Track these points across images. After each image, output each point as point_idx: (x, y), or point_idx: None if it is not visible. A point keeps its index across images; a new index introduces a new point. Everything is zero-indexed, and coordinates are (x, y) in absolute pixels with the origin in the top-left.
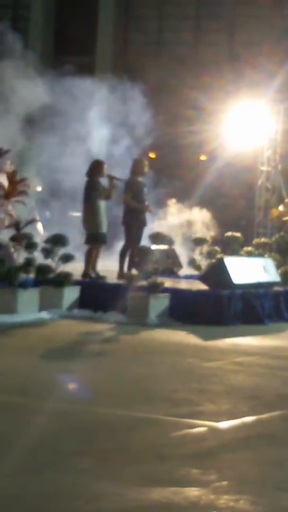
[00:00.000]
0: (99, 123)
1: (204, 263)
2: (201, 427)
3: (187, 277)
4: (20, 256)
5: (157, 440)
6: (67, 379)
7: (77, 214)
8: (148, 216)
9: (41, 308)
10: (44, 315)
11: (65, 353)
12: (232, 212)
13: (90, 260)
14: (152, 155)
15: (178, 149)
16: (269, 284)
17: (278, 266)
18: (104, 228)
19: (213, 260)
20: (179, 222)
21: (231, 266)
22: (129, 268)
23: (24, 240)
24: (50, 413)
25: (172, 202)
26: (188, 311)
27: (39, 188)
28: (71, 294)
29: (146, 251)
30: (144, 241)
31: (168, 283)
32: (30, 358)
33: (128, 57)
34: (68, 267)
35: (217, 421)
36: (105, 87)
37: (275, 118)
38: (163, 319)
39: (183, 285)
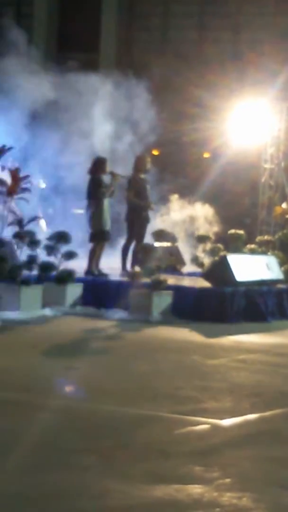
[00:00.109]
0: (103, 120)
1: (207, 260)
2: (204, 424)
3: (190, 274)
4: (23, 253)
5: (160, 437)
6: (70, 376)
7: (80, 211)
8: (150, 212)
9: (44, 305)
10: (47, 312)
11: (68, 350)
12: (236, 209)
13: (94, 257)
14: (155, 152)
15: (181, 146)
16: (272, 282)
17: (281, 264)
18: (108, 226)
19: (216, 258)
20: (182, 218)
21: (234, 264)
22: (133, 265)
23: (27, 237)
24: (53, 410)
25: (174, 197)
26: (191, 308)
27: (43, 185)
28: (74, 291)
29: (149, 248)
30: (147, 239)
31: (171, 280)
32: (33, 355)
33: (132, 54)
34: (71, 264)
35: (220, 418)
36: (109, 84)
37: (278, 116)
38: (166, 316)
39: (186, 282)
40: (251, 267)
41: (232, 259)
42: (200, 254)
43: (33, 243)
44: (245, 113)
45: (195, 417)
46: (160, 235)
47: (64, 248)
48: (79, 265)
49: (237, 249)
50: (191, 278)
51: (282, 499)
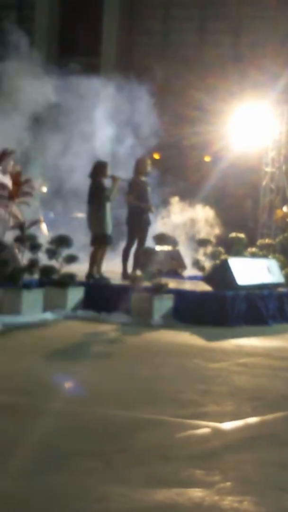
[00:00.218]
0: (104, 123)
1: (208, 264)
2: (205, 428)
3: (191, 278)
4: (24, 257)
5: (161, 441)
6: (71, 380)
7: (81, 215)
8: (151, 215)
9: (45, 309)
10: (48, 316)
11: (69, 354)
12: (237, 212)
13: (95, 261)
14: (156, 156)
15: (182, 150)
16: (273, 285)
17: (282, 267)
18: (109, 230)
19: (217, 261)
20: (183, 221)
21: (235, 267)
22: (134, 269)
23: (28, 241)
24: (54, 414)
25: (175, 200)
26: (192, 312)
27: (44, 189)
28: (75, 295)
29: (151, 252)
30: (149, 242)
31: (172, 284)
32: (34, 358)
33: (132, 58)
34: (72, 268)
35: (221, 422)
36: (110, 87)
37: (279, 119)
38: (167, 320)
39: (187, 286)
40: (252, 270)
41: (233, 263)
42: (201, 257)
43: (34, 247)
44: (246, 116)
45: (196, 421)
46: (161, 238)
47: (65, 252)
48: (80, 269)
49: (238, 253)
50: (192, 282)
51: (283, 502)
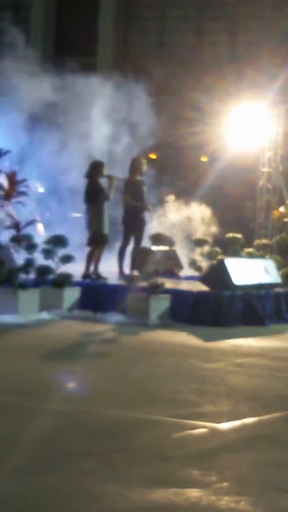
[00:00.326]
0: (100, 123)
1: (204, 264)
2: (202, 428)
3: (188, 278)
4: (20, 257)
5: (158, 441)
6: (68, 380)
7: (77, 215)
8: (147, 214)
9: (42, 309)
10: (45, 315)
11: (66, 354)
12: (234, 212)
13: (91, 261)
14: (153, 156)
15: (179, 150)
16: (270, 286)
17: (279, 268)
18: (106, 229)
19: (214, 261)
20: (179, 219)
21: (232, 267)
22: (131, 269)
23: (24, 240)
24: (51, 414)
25: (171, 198)
26: (189, 312)
27: (41, 189)
28: (71, 295)
29: (147, 252)
30: (145, 242)
31: (168, 284)
32: (31, 359)
33: (129, 58)
34: (68, 268)
35: (218, 422)
36: (106, 87)
37: (276, 120)
38: (163, 320)
39: (184, 286)
40: (249, 270)
41: (230, 263)
42: (198, 257)
43: (30, 246)
44: (242, 116)
45: (193, 421)
46: (157, 238)
47: (61, 252)
48: (76, 268)
49: (235, 253)
50: (189, 282)
51: (280, 502)
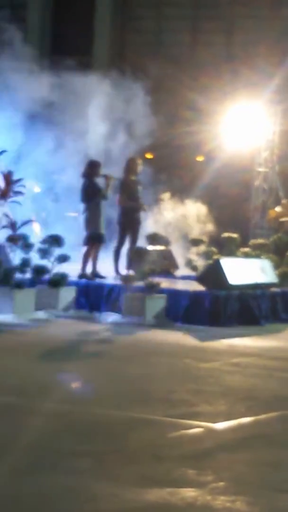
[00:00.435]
0: (96, 122)
1: (200, 264)
2: (197, 428)
3: (184, 277)
4: (16, 257)
5: (154, 440)
6: (64, 380)
7: (73, 214)
8: (143, 214)
9: (37, 308)
10: (41, 315)
11: (62, 354)
12: (230, 212)
13: (88, 260)
14: (149, 155)
15: (175, 149)
16: (266, 285)
17: (275, 267)
18: (103, 229)
19: (210, 261)
20: (175, 218)
21: (228, 267)
22: (127, 269)
23: (20, 240)
24: (47, 414)
25: (166, 196)
26: (185, 312)
27: (37, 190)
28: (67, 294)
29: (143, 251)
30: (141, 242)
31: (164, 283)
32: (26, 358)
33: (125, 57)
34: (64, 268)
35: (214, 422)
36: (102, 86)
37: (272, 119)
38: (159, 319)
39: (180, 285)
40: (245, 270)
41: (226, 263)
42: (194, 257)
43: (27, 246)
44: (239, 116)
45: (188, 421)
46: (153, 238)
47: (57, 252)
48: (72, 268)
49: (231, 253)
50: (184, 282)
51: (276, 502)
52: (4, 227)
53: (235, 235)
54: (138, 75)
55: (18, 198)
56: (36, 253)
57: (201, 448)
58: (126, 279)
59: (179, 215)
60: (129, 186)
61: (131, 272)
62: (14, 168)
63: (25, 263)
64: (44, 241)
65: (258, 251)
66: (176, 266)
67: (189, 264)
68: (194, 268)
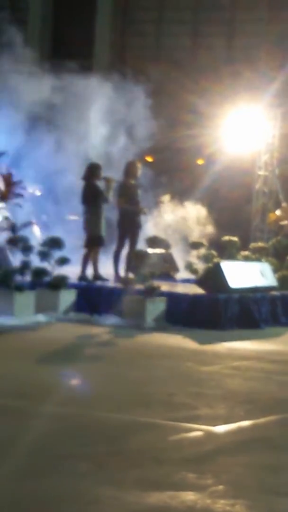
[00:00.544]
0: (97, 125)
1: (200, 267)
2: (198, 431)
3: (184, 281)
4: (16, 259)
5: (154, 444)
6: (64, 383)
7: (74, 217)
8: (143, 217)
9: (37, 311)
10: (41, 318)
11: (62, 357)
12: (230, 215)
13: (88, 263)
14: (149, 158)
15: (176, 153)
16: (266, 289)
17: (275, 271)
18: (103, 231)
19: (210, 264)
20: (175, 220)
21: (228, 270)
22: (127, 272)
23: (20, 242)
24: (47, 417)
25: (166, 198)
26: (185, 315)
27: (38, 192)
28: (67, 297)
29: (143, 255)
30: (141, 245)
31: (164, 287)
32: (26, 361)
33: (125, 60)
34: (64, 270)
35: (214, 425)
36: (103, 89)
37: (273, 123)
38: (159, 323)
39: (180, 289)
40: (245, 274)
41: (226, 266)
42: (194, 260)
43: (26, 248)
44: (239, 119)
45: (188, 424)
46: (153, 241)
47: (57, 254)
48: (72, 271)
49: (231, 256)
50: (184, 285)
51: (275, 506)
52: (4, 229)
53: (235, 238)
54: (139, 79)
55: (18, 200)
56: (36, 256)
57: (201, 452)
58: (126, 282)
59: (179, 218)
60: (128, 189)
61: (131, 275)
62: (15, 170)
63: (25, 266)
64: (44, 244)
65: (258, 255)
66: (176, 269)
67: (189, 267)
68: (194, 271)
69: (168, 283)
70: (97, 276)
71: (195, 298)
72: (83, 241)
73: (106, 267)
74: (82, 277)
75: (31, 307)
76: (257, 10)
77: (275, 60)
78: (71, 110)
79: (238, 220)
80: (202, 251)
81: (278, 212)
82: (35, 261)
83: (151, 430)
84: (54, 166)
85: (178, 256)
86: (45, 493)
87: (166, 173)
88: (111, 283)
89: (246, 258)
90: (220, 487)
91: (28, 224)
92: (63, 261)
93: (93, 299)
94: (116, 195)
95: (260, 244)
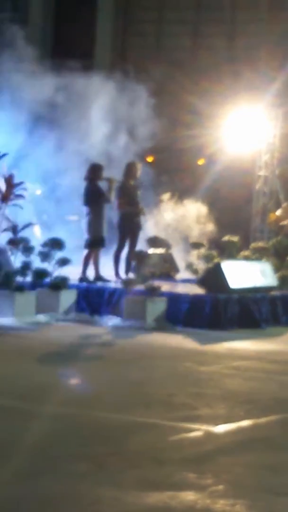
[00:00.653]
0: (98, 126)
1: (201, 267)
2: (197, 431)
3: (184, 281)
4: (17, 260)
5: (154, 444)
6: (64, 383)
7: (73, 217)
8: (142, 217)
9: (38, 311)
10: (41, 318)
11: (62, 357)
12: (231, 215)
13: (88, 264)
14: (149, 159)
15: (176, 153)
16: (266, 289)
17: (275, 271)
18: (105, 232)
19: (210, 264)
20: (175, 219)
21: (228, 271)
22: (127, 272)
23: (21, 243)
24: (47, 417)
25: (166, 197)
26: (185, 315)
27: (39, 192)
28: (68, 297)
29: (143, 255)
30: (141, 245)
31: (165, 287)
32: (27, 361)
33: (126, 61)
34: (65, 271)
35: (214, 425)
36: (104, 89)
37: (273, 123)
38: (160, 323)
39: (180, 289)
40: (245, 274)
41: (226, 266)
42: (194, 260)
43: (27, 249)
44: (240, 119)
45: (188, 424)
46: (154, 241)
47: (58, 255)
48: (72, 271)
49: (231, 256)
50: (185, 285)
51: (275, 506)
52: (5, 230)
53: (235, 239)
54: (140, 79)
55: (19, 201)
56: (37, 256)
57: (201, 452)
58: (126, 282)
59: (180, 217)
60: (128, 190)
61: (132, 276)
62: (16, 170)
63: (26, 266)
64: (45, 245)
65: (258, 255)
66: (176, 270)
67: (190, 267)
68: (194, 271)
69: (169, 283)
70: (98, 277)
71: (196, 298)
72: (83, 241)
73: (106, 268)
74: (83, 278)
75: (31, 308)
76: (257, 10)
77: (275, 60)
78: (72, 110)
79: (239, 220)
80: (203, 251)
81: (278, 212)
82: (36, 262)
83: (151, 430)
84: (56, 165)
85: (179, 256)
86: (45, 493)
87: (167, 173)
88: (111, 284)
89: (247, 258)
90: (220, 487)
91: (29, 225)
92: (64, 262)
93: (93, 299)
94: (116, 196)
95: (260, 244)
